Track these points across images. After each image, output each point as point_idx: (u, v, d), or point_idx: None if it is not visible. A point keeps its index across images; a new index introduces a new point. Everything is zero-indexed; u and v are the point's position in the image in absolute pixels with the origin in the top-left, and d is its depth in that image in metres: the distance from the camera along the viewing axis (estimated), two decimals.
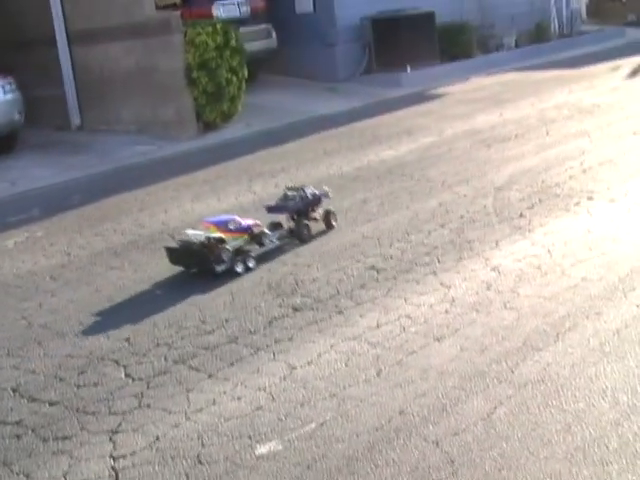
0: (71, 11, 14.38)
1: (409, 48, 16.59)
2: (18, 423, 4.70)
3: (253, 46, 14.95)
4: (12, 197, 10.54)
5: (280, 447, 4.17)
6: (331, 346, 5.19)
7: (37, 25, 14.79)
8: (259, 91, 15.28)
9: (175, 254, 6.84)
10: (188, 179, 10.16)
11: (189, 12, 14.24)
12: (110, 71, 14.03)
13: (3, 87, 12.65)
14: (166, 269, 6.92)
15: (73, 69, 14.66)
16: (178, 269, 6.86)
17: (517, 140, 10.32)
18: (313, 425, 4.33)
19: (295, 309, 5.82)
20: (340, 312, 5.69)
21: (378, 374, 4.79)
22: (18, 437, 4.56)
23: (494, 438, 4.07)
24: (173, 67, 12.97)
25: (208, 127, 13.26)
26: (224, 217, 7.15)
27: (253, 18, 16.11)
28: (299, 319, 5.64)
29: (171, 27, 12.95)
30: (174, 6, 14.62)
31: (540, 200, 7.72)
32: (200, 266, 6.73)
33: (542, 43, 19.42)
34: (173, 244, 7.14)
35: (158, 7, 13.73)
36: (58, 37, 14.55)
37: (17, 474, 4.21)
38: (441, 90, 15.43)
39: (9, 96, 12.70)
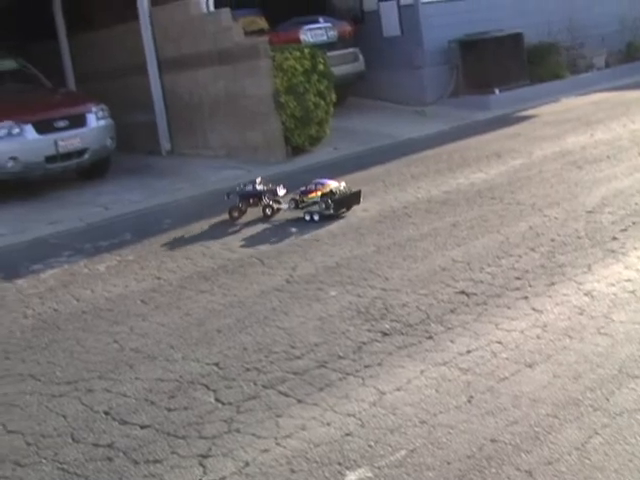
0: (161, 39, 14.65)
1: (497, 70, 16.46)
2: (110, 446, 4.74)
3: (340, 70, 15.00)
4: (105, 221, 10.74)
5: (370, 474, 4.13)
6: (421, 372, 5.14)
7: (129, 54, 15.10)
8: (346, 115, 15.33)
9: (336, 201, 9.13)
10: None
11: (277, 37, 14.38)
12: (199, 97, 14.24)
13: (96, 114, 12.94)
14: (255, 293, 6.96)
15: (163, 95, 14.93)
16: (267, 293, 6.90)
17: (609, 161, 10.13)
18: (403, 452, 4.28)
19: (384, 334, 5.78)
20: (430, 337, 5.64)
21: (469, 401, 4.72)
22: (110, 460, 4.60)
23: (589, 469, 3.96)
24: (261, 92, 13.10)
25: (296, 151, 13.34)
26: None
27: (340, 42, 16.19)
28: (388, 344, 5.60)
29: (259, 53, 13.08)
30: (262, 32, 14.76)
31: (634, 223, 7.55)
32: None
33: (633, 63, 19.09)
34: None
35: (246, 33, 13.88)
36: (149, 65, 14.85)
37: None
38: (530, 112, 15.27)
39: (102, 122, 12.99)
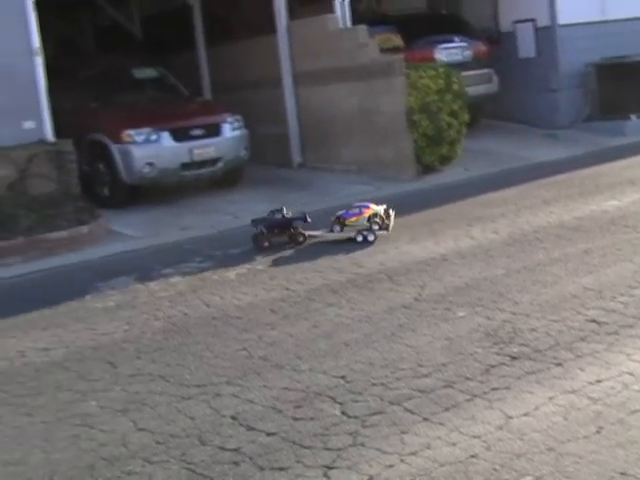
0: (297, 53, 14.85)
1: (635, 95, 16.11)
2: (236, 450, 4.83)
3: (474, 90, 14.92)
4: (235, 230, 10.92)
5: None
6: (549, 398, 5.07)
7: (265, 66, 15.35)
8: (478, 136, 15.22)
9: None
10: (405, 221, 10.21)
11: (412, 55, 14.38)
12: (332, 111, 14.36)
13: (232, 124, 13.20)
14: (383, 309, 6.98)
15: (297, 109, 15.12)
16: (395, 310, 6.92)
17: None
18: (529, 478, 4.23)
19: (513, 358, 5.73)
20: (559, 364, 5.56)
21: (598, 431, 4.64)
22: (236, 464, 4.68)
23: None
24: (394, 109, 13.13)
25: (427, 170, 13.33)
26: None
27: (475, 62, 16.10)
28: (517, 368, 5.55)
29: (394, 70, 13.13)
30: (396, 49, 14.81)
31: None
32: None
33: None
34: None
35: (382, 50, 13.94)
36: (284, 78, 15.07)
37: None
38: None
39: (237, 133, 13.25)
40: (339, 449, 4.71)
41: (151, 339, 6.91)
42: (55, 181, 11.79)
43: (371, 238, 9.39)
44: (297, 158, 15.25)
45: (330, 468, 4.52)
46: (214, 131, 13.04)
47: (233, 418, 5.25)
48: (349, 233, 9.50)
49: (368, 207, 9.68)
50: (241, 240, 10.04)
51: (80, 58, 16.74)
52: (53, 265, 9.92)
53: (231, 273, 8.71)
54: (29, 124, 12.04)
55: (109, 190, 12.84)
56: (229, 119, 13.27)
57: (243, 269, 8.81)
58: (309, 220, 9.67)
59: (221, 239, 10.50)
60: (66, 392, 5.93)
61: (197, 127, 12.93)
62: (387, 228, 9.57)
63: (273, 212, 9.84)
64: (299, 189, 13.19)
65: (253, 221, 9.75)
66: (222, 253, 9.65)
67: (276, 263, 8.92)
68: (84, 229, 10.91)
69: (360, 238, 9.38)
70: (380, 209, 9.71)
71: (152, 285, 8.58)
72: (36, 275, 9.59)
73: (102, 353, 6.68)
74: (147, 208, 12.44)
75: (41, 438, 5.24)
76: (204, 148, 12.79)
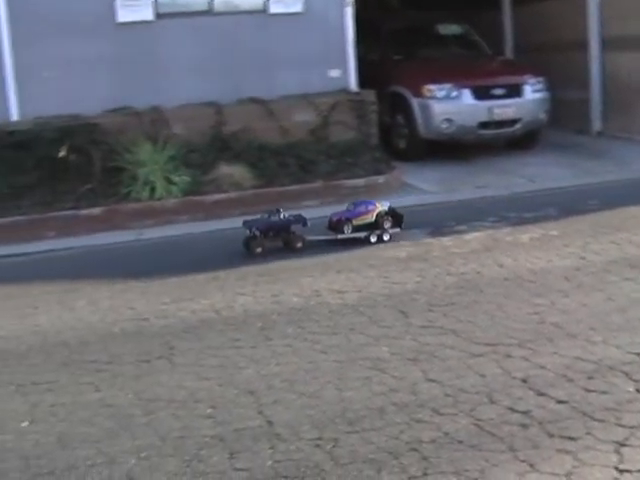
0: (607, 17, 14.32)
1: None
2: (525, 413, 4.80)
3: None
4: (529, 193, 10.80)
5: None
6: None
7: (570, 29, 14.94)
8: None
9: None
10: None
11: None
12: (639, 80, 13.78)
13: (533, 85, 13.00)
14: None
15: (601, 74, 14.62)
16: None
17: None
18: None
19: None
20: None
21: None
22: (524, 426, 4.65)
23: None
24: None
25: None
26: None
27: None
28: None
29: None
30: None
31: None
32: None
33: None
34: None
35: None
36: (591, 42, 14.60)
37: (521, 461, 4.32)
38: None
39: (538, 95, 13.04)
40: (633, 427, 4.58)
41: (443, 293, 6.98)
42: (355, 130, 12.12)
43: (386, 238, 8.82)
44: (596, 125, 14.78)
45: (622, 445, 4.40)
46: (515, 91, 12.89)
47: (523, 381, 5.22)
48: (359, 233, 8.87)
49: (374, 205, 9.00)
50: (536, 204, 9.91)
51: (386, 12, 16.96)
52: None
53: (524, 236, 8.62)
54: (335, 72, 12.41)
55: (406, 143, 13.03)
56: (531, 80, 13.06)
57: (536, 233, 8.69)
58: (308, 224, 8.91)
59: (515, 201, 10.40)
60: (359, 335, 6.13)
61: (498, 86, 12.83)
62: (400, 225, 8.97)
63: (268, 213, 8.84)
64: (598, 157, 12.79)
65: (245, 222, 8.76)
66: (516, 215, 9.56)
67: (572, 231, 8.72)
68: (380, 179, 11.16)
69: (374, 238, 8.81)
70: (385, 207, 9.01)
71: (445, 240, 8.65)
72: None
73: (394, 301, 6.82)
74: (441, 164, 12.52)
75: (334, 376, 5.44)
76: (504, 108, 12.67)
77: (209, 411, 5.03)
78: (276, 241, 8.74)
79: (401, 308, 6.64)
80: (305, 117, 12.01)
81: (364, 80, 12.48)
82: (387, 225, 8.87)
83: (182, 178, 10.62)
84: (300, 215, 8.97)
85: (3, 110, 11.20)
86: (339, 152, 11.65)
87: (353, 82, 12.46)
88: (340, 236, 8.81)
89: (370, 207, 8.96)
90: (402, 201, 10.42)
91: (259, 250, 8.54)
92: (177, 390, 5.36)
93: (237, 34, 12.09)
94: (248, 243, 8.62)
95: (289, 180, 10.99)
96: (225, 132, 11.65)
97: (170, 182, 10.55)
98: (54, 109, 11.16)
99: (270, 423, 4.82)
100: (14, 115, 11.30)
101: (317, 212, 10.04)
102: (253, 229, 8.66)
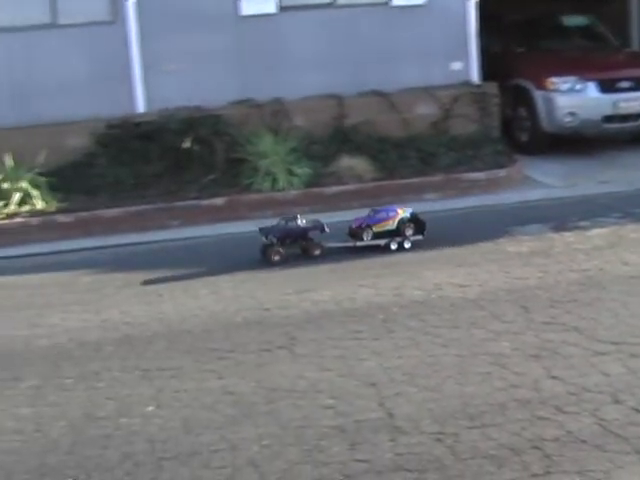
0: None
1: None
2: None
3: None
4: None
5: None
6: None
7: None
8: None
9: None
10: None
11: None
12: None
13: None
14: None
15: None
16: None
17: None
18: None
19: None
20: None
21: None
22: None
23: None
24: None
25: None
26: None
27: None
28: None
29: None
30: None
31: None
32: None
33: None
34: None
35: None
36: None
37: None
38: None
39: None
40: None
41: (565, 289, 6.87)
42: (477, 123, 12.02)
43: (407, 245, 8.50)
44: None
45: None
46: None
47: None
48: (379, 241, 8.54)
49: (396, 211, 8.66)
50: None
51: (508, 3, 16.72)
52: (469, 205, 10.18)
53: None
54: (456, 65, 12.35)
55: (528, 136, 12.84)
56: None
57: None
58: (327, 230, 8.49)
59: (639, 197, 10.16)
60: (480, 330, 6.09)
61: (624, 79, 12.50)
62: (422, 233, 8.60)
63: (285, 220, 8.50)
64: None
65: (261, 230, 8.43)
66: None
67: None
68: (501, 172, 11.04)
69: (394, 246, 8.47)
70: (407, 214, 8.66)
71: (567, 236, 8.52)
72: (453, 213, 9.88)
73: (515, 296, 6.76)
74: (564, 158, 12.31)
75: (455, 370, 5.43)
76: (630, 102, 12.34)
77: (330, 402, 5.08)
78: (294, 248, 8.46)
79: (523, 303, 6.57)
80: (426, 110, 11.98)
81: (486, 72, 12.36)
82: (409, 232, 8.56)
83: (303, 170, 10.72)
84: (318, 221, 8.64)
85: (130, 102, 11.50)
86: (460, 145, 11.58)
87: (475, 75, 12.37)
88: (359, 243, 8.54)
89: (391, 214, 8.64)
90: (524, 195, 10.35)
91: (277, 258, 8.24)
92: (298, 380, 5.43)
93: (359, 26, 12.13)
94: (265, 251, 8.35)
95: (409, 173, 10.97)
96: (346, 124, 11.71)
97: (291, 174, 10.66)
98: (179, 101, 11.41)
99: (391, 415, 4.84)
100: (140, 107, 11.60)
101: (438, 205, 10.03)
102: (270, 236, 8.36)
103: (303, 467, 4.34)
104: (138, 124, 11.23)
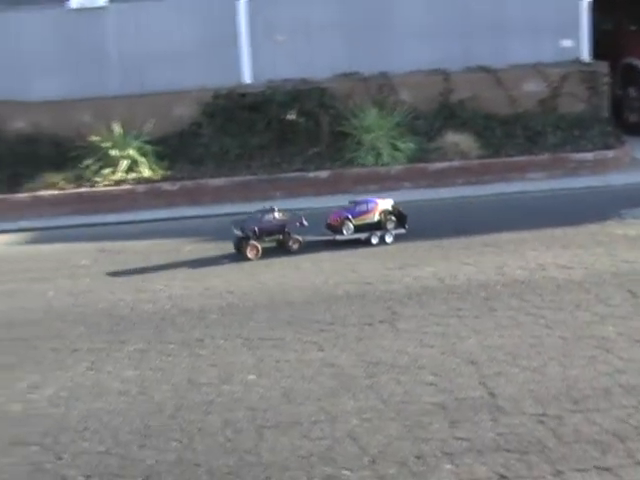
0: None
1: None
2: None
3: None
4: None
5: None
6: None
7: None
8: None
9: None
10: None
11: None
12: None
13: None
14: None
15: None
16: None
17: None
18: None
19: None
20: None
21: None
22: None
23: None
24: None
25: None
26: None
27: None
28: None
29: None
30: None
31: None
32: None
33: None
34: None
35: None
36: None
37: None
38: None
39: None
40: None
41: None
42: (585, 102, 11.77)
43: (389, 239, 8.15)
44: None
45: None
46: None
47: None
48: (359, 235, 8.16)
49: (375, 202, 8.29)
50: None
51: None
52: (575, 185, 10.02)
53: None
54: (567, 42, 12.10)
55: (638, 117, 12.54)
56: None
57: None
58: (305, 224, 8.09)
59: None
60: (585, 312, 5.99)
61: None
62: (404, 226, 8.23)
63: (262, 212, 8.04)
64: None
65: (235, 223, 7.95)
66: None
67: None
68: (609, 154, 10.81)
69: (375, 240, 8.10)
70: (388, 206, 8.30)
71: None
72: (558, 193, 9.73)
73: (621, 280, 6.62)
74: None
75: (558, 352, 5.34)
76: None
77: (431, 378, 5.06)
78: (270, 242, 8.09)
79: (629, 287, 6.43)
80: (534, 87, 11.78)
81: (596, 51, 12.09)
82: (390, 226, 8.21)
83: (407, 145, 10.66)
84: (296, 214, 8.29)
85: (237, 73, 11.59)
86: (568, 124, 11.35)
87: (586, 53, 12.10)
88: (339, 237, 8.15)
89: (372, 205, 8.29)
90: (631, 178, 10.13)
91: (252, 254, 7.82)
92: (399, 355, 5.42)
93: (468, 0, 11.97)
94: (239, 245, 7.95)
95: (515, 151, 10.82)
96: (452, 100, 11.59)
97: (395, 149, 10.62)
98: (285, 73, 11.45)
99: (492, 395, 4.79)
100: (247, 78, 11.67)
101: (543, 185, 9.88)
102: (246, 230, 7.91)
103: (403, 443, 4.33)
104: (244, 95, 11.30)
